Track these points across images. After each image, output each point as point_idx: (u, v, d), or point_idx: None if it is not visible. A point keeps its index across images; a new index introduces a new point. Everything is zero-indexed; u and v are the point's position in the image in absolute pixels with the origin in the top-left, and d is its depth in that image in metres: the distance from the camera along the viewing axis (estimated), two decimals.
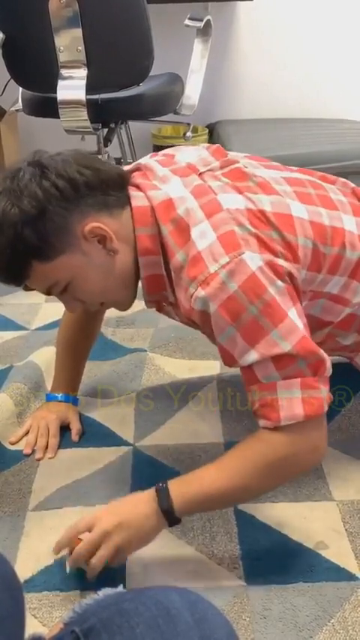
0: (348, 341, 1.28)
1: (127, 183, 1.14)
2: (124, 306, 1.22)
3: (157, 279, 1.15)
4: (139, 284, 1.19)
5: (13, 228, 1.03)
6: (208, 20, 2.17)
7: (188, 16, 2.13)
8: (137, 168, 1.20)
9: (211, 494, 1.07)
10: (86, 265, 1.10)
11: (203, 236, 1.05)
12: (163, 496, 1.06)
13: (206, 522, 1.23)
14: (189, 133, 2.32)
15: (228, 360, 1.10)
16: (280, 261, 1.06)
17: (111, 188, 1.10)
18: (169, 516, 1.06)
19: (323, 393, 1.07)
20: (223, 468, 1.09)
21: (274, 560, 1.16)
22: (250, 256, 1.04)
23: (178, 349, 1.78)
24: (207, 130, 2.91)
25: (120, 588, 0.99)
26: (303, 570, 1.14)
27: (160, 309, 1.27)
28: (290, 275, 1.08)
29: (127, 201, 1.13)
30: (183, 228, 1.08)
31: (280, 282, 1.05)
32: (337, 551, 1.17)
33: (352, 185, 1.29)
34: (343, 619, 1.05)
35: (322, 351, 1.08)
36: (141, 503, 1.07)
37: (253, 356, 1.05)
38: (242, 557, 1.17)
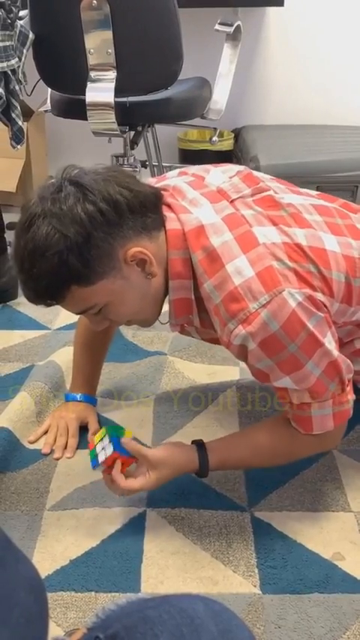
0: None
1: (162, 203, 1.13)
2: (150, 323, 1.21)
3: (186, 302, 1.15)
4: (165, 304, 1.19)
5: (58, 256, 1.00)
6: (238, 25, 2.17)
7: (218, 21, 2.12)
8: (165, 189, 1.19)
9: (240, 465, 1.29)
10: (125, 289, 1.09)
11: (240, 271, 1.05)
12: (203, 467, 1.18)
13: (222, 529, 1.23)
14: (215, 138, 2.32)
15: (261, 379, 1.14)
16: (319, 295, 1.07)
17: (149, 210, 1.09)
18: (200, 476, 1.21)
19: (351, 402, 1.15)
20: (255, 450, 1.22)
21: (290, 569, 1.15)
22: (289, 293, 1.04)
23: (198, 354, 1.78)
24: (233, 135, 2.91)
25: (141, 594, 0.99)
26: (319, 581, 1.13)
27: (182, 331, 1.27)
28: (326, 306, 1.10)
29: (162, 222, 1.12)
30: (214, 259, 1.07)
31: (319, 314, 1.07)
32: (354, 563, 1.16)
33: None
34: (358, 632, 1.04)
35: (347, 363, 1.12)
36: (183, 471, 1.19)
37: (287, 382, 1.11)
38: (258, 565, 1.16)
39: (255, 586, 1.12)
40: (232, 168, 1.24)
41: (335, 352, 1.10)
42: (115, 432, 1.18)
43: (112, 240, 1.04)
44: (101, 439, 1.17)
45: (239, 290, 1.05)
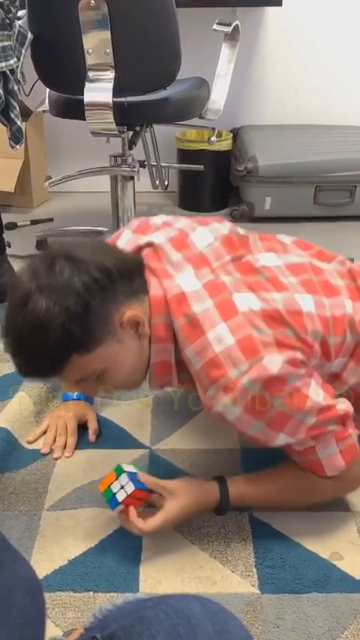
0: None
1: (144, 270, 1.15)
2: (138, 384, 1.21)
3: (166, 365, 1.16)
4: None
5: (61, 327, 1.01)
6: (237, 25, 2.17)
7: (217, 20, 2.13)
8: (150, 245, 1.20)
9: (261, 502, 1.24)
10: (121, 352, 1.10)
11: (221, 339, 1.07)
12: (224, 503, 1.19)
13: (221, 529, 1.23)
14: (213, 138, 2.32)
15: (259, 444, 1.15)
16: (298, 354, 1.10)
17: (134, 274, 1.12)
18: (220, 512, 1.22)
19: (354, 436, 1.16)
20: (276, 491, 1.22)
21: (289, 569, 1.15)
22: (269, 360, 1.06)
23: None
24: (231, 135, 2.91)
25: (139, 594, 1.00)
26: (317, 580, 1.13)
27: (161, 389, 1.27)
28: (306, 362, 1.12)
29: (146, 286, 1.14)
30: (195, 326, 1.09)
31: (300, 371, 1.09)
32: (352, 563, 1.17)
33: (349, 264, 1.30)
34: (357, 631, 1.04)
35: (343, 405, 1.14)
36: (204, 504, 1.19)
37: (283, 439, 1.12)
38: (256, 564, 1.16)
39: (253, 586, 1.12)
40: (217, 228, 1.25)
41: (323, 401, 1.11)
42: (128, 469, 1.17)
43: (108, 305, 1.06)
44: (117, 478, 1.15)
45: (220, 357, 1.07)
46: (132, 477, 1.15)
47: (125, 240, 1.25)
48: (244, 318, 1.08)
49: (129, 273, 1.10)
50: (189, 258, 1.17)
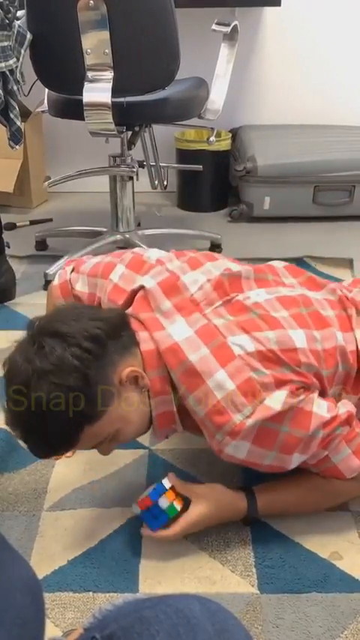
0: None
1: (129, 322, 1.15)
2: (142, 434, 1.20)
3: (168, 415, 1.17)
4: None
5: (69, 407, 1.01)
6: (235, 25, 2.17)
7: (215, 20, 2.13)
8: (141, 289, 1.20)
9: (287, 508, 1.25)
10: (128, 409, 1.11)
11: (221, 386, 1.09)
12: (253, 513, 1.20)
13: (220, 529, 1.23)
14: (212, 138, 2.32)
15: (276, 471, 1.16)
16: (295, 384, 1.11)
17: (121, 330, 1.12)
18: (246, 522, 1.23)
19: None
20: (303, 497, 1.23)
21: (288, 568, 1.15)
22: (270, 400, 1.08)
23: None
24: (230, 135, 2.91)
25: (139, 594, 1.00)
26: (317, 580, 1.13)
27: (166, 437, 1.28)
28: (306, 385, 1.13)
29: (135, 338, 1.14)
30: (193, 374, 1.10)
31: (301, 397, 1.10)
32: (352, 563, 1.17)
33: (339, 293, 1.29)
34: (356, 631, 1.04)
35: (345, 407, 1.15)
36: (229, 513, 1.20)
37: (297, 459, 1.13)
38: (256, 564, 1.16)
39: (253, 585, 1.12)
40: (209, 269, 1.24)
41: (327, 414, 1.12)
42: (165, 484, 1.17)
43: (105, 371, 1.06)
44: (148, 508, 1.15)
45: (222, 403, 1.08)
46: (159, 489, 1.15)
47: (119, 274, 1.26)
48: (242, 361, 1.10)
49: (116, 331, 1.10)
50: (179, 305, 1.17)
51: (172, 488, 1.16)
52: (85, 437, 1.07)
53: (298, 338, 1.14)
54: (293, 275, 1.32)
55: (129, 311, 1.19)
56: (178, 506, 1.15)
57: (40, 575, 1.14)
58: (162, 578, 1.14)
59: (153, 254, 1.29)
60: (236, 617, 0.69)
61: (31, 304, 2.07)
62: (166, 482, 1.16)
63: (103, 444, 1.13)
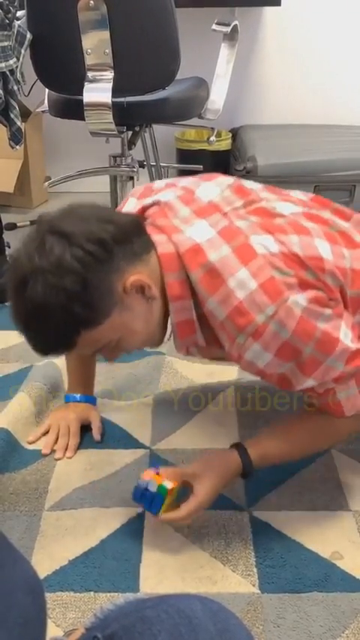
0: None
1: (144, 227, 1.12)
2: (159, 344, 1.20)
3: (189, 324, 1.14)
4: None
5: (61, 309, 1.00)
6: (235, 25, 2.17)
7: (215, 20, 2.12)
8: (156, 203, 1.18)
9: (282, 457, 1.24)
10: (132, 319, 1.08)
11: (243, 285, 1.05)
12: (248, 467, 1.19)
13: (221, 528, 1.23)
14: (213, 138, 2.32)
15: (284, 386, 1.14)
16: (321, 293, 1.07)
17: (133, 235, 1.08)
18: (245, 476, 1.21)
19: None
20: (294, 441, 1.23)
21: (289, 568, 1.15)
22: (294, 300, 1.04)
23: None
24: (230, 135, 2.91)
25: (140, 594, 1.00)
26: (317, 580, 1.13)
27: (187, 353, 1.25)
28: (333, 299, 1.09)
29: (150, 244, 1.11)
30: (214, 275, 1.06)
31: (327, 311, 1.07)
32: (353, 562, 1.17)
33: None
34: (357, 630, 1.04)
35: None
36: (230, 475, 1.19)
37: (310, 383, 1.11)
38: (257, 564, 1.16)
39: (254, 585, 1.12)
40: (222, 181, 1.23)
41: (353, 344, 1.09)
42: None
43: (108, 276, 1.03)
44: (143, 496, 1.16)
45: (244, 304, 1.04)
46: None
47: (131, 207, 1.23)
48: (264, 260, 1.05)
49: (126, 236, 1.06)
50: (198, 210, 1.14)
51: (158, 474, 1.17)
52: (84, 341, 1.05)
53: (325, 249, 1.10)
54: (320, 204, 1.27)
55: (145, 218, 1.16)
56: (168, 484, 1.14)
57: (42, 575, 1.14)
58: (163, 577, 1.14)
59: (161, 182, 1.27)
60: (237, 617, 0.70)
61: None
62: (151, 470, 1.17)
63: (105, 351, 1.12)
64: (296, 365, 1.09)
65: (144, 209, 1.19)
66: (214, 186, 1.20)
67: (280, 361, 1.08)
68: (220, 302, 1.06)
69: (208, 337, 1.15)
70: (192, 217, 1.13)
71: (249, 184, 1.24)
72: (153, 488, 1.14)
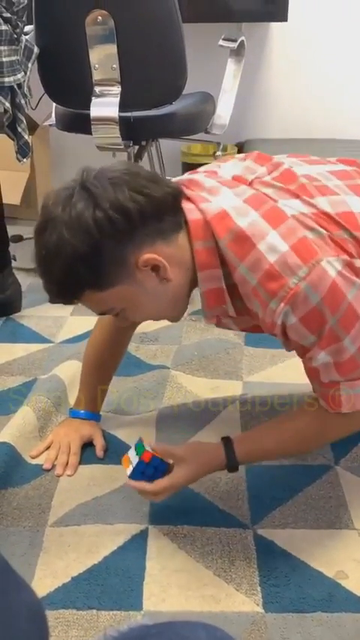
0: None
1: (180, 204, 1.10)
2: (178, 319, 1.22)
3: (218, 292, 1.12)
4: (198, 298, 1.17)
5: (67, 265, 1.01)
6: (242, 41, 2.18)
7: (222, 36, 2.14)
8: (181, 184, 1.17)
9: (269, 455, 1.27)
10: (140, 294, 1.08)
11: (274, 248, 1.02)
12: (231, 461, 1.19)
13: (225, 547, 1.22)
14: (219, 152, 2.33)
15: (299, 353, 1.12)
16: (357, 261, 1.05)
17: (166, 212, 1.06)
18: (230, 470, 1.21)
19: None
20: (284, 440, 1.22)
21: (293, 587, 1.14)
22: (328, 262, 1.02)
23: (201, 368, 1.77)
24: (236, 149, 2.92)
25: (145, 620, 0.99)
26: (322, 600, 1.12)
27: (218, 324, 1.24)
28: None
29: (182, 222, 1.09)
30: (243, 240, 1.04)
31: (358, 282, 1.05)
32: (357, 582, 1.15)
33: None
34: None
35: None
36: (211, 467, 1.21)
37: (322, 357, 1.08)
38: (261, 583, 1.15)
39: (258, 604, 1.11)
40: (241, 156, 1.24)
41: None
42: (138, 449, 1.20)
43: (123, 247, 1.03)
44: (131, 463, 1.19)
45: (275, 267, 1.02)
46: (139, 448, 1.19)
47: None
48: (295, 221, 1.04)
49: (157, 212, 1.04)
50: (224, 182, 1.14)
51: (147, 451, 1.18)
52: (88, 299, 1.08)
53: (355, 203, 1.08)
54: (346, 163, 1.25)
55: None
56: (147, 446, 1.17)
57: (44, 592, 1.13)
58: (166, 595, 1.13)
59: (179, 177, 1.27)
60: None
61: (38, 317, 2.07)
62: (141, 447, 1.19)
63: (112, 315, 1.14)
64: (318, 338, 1.06)
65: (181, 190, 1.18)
66: (234, 164, 1.21)
67: (303, 329, 1.05)
68: (250, 268, 1.04)
69: (238, 309, 1.14)
70: (218, 187, 1.13)
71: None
72: (135, 460, 1.16)
